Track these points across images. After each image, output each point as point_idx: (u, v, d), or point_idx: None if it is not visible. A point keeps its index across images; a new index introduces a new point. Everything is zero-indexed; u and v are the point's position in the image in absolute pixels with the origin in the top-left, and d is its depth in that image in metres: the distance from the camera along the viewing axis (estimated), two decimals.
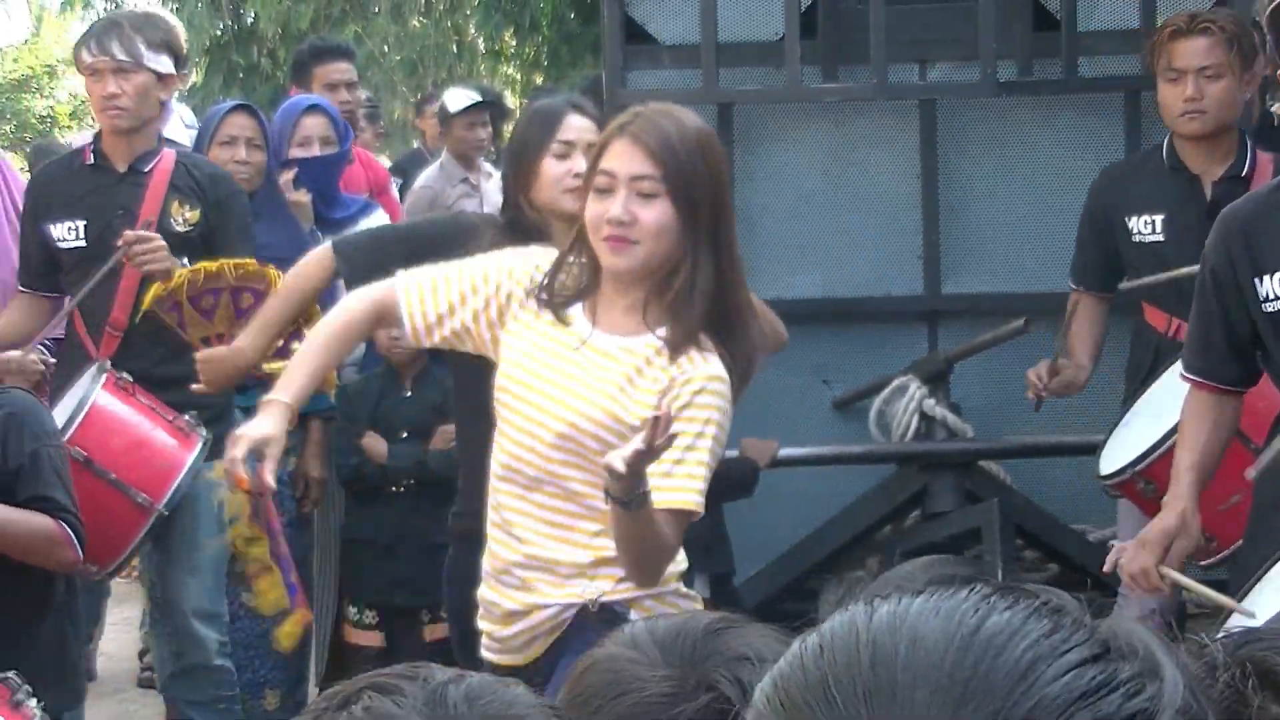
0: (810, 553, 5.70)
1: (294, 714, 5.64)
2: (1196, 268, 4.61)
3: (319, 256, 4.21)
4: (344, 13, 15.89)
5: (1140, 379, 5.01)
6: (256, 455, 3.51)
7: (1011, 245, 6.07)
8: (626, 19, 6.12)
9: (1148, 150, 5.42)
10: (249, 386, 5.49)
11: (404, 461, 5.50)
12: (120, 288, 5.04)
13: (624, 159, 3.38)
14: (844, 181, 6.11)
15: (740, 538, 5.44)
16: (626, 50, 6.10)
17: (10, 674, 3.82)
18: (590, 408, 3.38)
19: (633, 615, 3.31)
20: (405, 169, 9.05)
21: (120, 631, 7.25)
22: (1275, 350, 3.87)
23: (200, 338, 4.73)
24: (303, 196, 5.77)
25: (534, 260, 3.55)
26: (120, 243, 4.91)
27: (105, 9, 18.22)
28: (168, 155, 5.20)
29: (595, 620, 3.38)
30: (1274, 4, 3.77)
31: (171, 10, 14.14)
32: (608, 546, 3.37)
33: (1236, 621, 3.29)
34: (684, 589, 3.54)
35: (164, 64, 5.18)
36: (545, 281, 3.49)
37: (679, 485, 3.30)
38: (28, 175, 6.38)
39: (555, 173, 4.10)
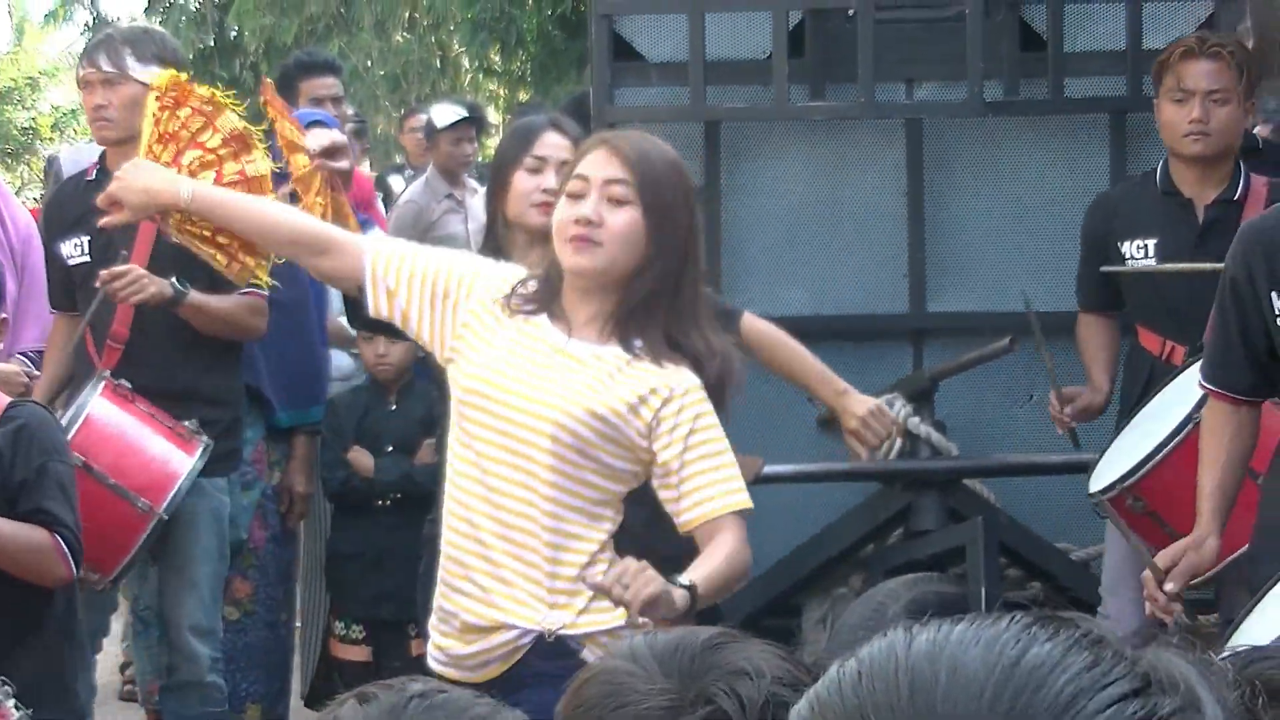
0: (793, 569, 5.70)
1: None
2: (1182, 265, 4.66)
3: (355, 246, 3.67)
4: (328, 27, 15.89)
5: (1134, 401, 5.03)
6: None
7: (997, 264, 6.08)
8: (615, 36, 6.13)
9: (1142, 174, 5.45)
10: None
11: (391, 475, 5.50)
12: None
13: (598, 164, 3.42)
14: (830, 199, 6.12)
15: None
16: (614, 67, 6.11)
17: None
18: (574, 406, 3.39)
19: (585, 652, 3.31)
20: (387, 183, 9.06)
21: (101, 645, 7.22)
22: None
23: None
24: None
25: (505, 272, 3.57)
26: (98, 284, 4.92)
27: (88, 21, 18.21)
28: None
29: (548, 650, 3.38)
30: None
31: (157, 23, 14.12)
32: (567, 569, 3.39)
33: (1238, 641, 3.30)
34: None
35: (154, 76, 5.19)
36: (516, 287, 3.50)
37: (727, 490, 3.38)
38: (13, 186, 6.39)
39: (524, 187, 4.13)
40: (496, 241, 4.17)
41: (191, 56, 15.24)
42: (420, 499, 5.32)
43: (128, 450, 4.72)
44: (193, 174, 4.38)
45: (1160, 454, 4.47)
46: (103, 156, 5.31)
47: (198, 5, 16.55)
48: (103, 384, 4.81)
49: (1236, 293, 3.93)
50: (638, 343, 3.43)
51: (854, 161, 6.12)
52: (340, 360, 5.83)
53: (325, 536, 5.93)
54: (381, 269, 3.53)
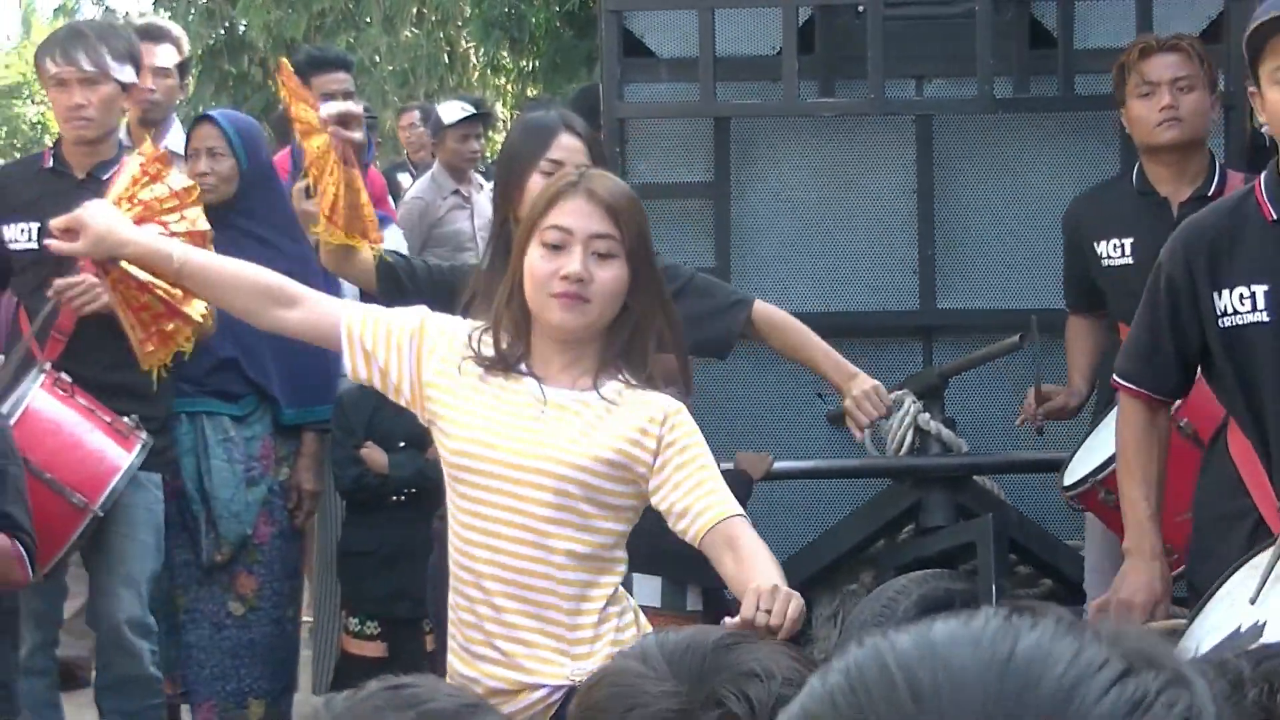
0: (803, 566, 5.70)
1: None
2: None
3: (328, 305, 3.60)
4: (336, 23, 15.91)
5: (1108, 398, 5.05)
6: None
7: (1007, 261, 6.09)
8: (625, 32, 6.13)
9: (1116, 176, 5.48)
10: (242, 394, 5.50)
11: (405, 471, 5.51)
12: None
13: (581, 216, 3.35)
14: (840, 196, 6.12)
15: None
16: (624, 63, 6.11)
17: None
18: (578, 456, 3.33)
19: None
20: (396, 179, 9.08)
21: None
22: (1226, 366, 3.87)
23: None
24: (312, 207, 5.76)
25: (460, 327, 3.50)
26: (50, 294, 4.90)
27: (96, 15, 18.21)
28: (126, 163, 5.20)
29: None
30: (1252, 26, 3.80)
31: (166, 17, 14.10)
32: (586, 618, 3.36)
33: (1187, 643, 3.31)
34: None
35: (128, 74, 5.20)
36: (478, 345, 3.43)
37: (728, 495, 3.36)
38: None
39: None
40: (507, 241, 4.15)
41: (200, 51, 15.27)
42: (434, 494, 5.32)
43: (65, 445, 4.69)
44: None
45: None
46: (57, 145, 5.29)
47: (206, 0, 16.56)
48: (43, 376, 4.79)
49: (1172, 290, 3.91)
50: (618, 378, 3.40)
51: (863, 158, 6.12)
52: None
53: (338, 534, 5.93)
54: (358, 330, 3.45)
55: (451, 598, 3.46)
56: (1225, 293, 3.85)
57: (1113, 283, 5.14)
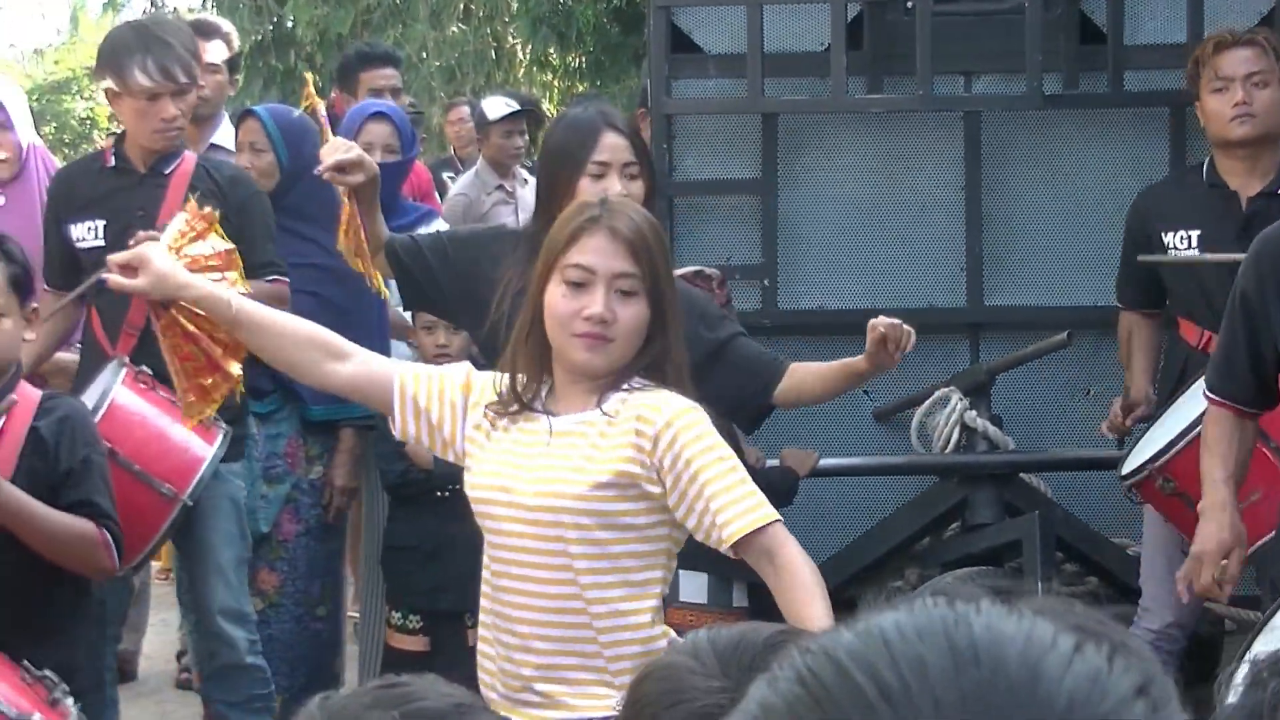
0: (849, 563, 5.69)
1: None
2: (1221, 256, 4.67)
3: (379, 363, 3.60)
4: (383, 18, 15.93)
5: (1169, 392, 5.05)
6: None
7: (1055, 258, 6.06)
8: (673, 28, 6.13)
9: (1188, 168, 5.45)
10: (268, 391, 5.50)
11: (450, 466, 5.50)
12: None
13: (605, 256, 3.32)
14: (888, 193, 6.11)
15: None
16: (672, 59, 6.11)
17: (46, 672, 3.84)
18: (578, 486, 3.30)
19: None
20: (439, 174, 9.08)
21: (157, 633, 7.27)
22: None
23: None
24: None
25: (489, 379, 3.48)
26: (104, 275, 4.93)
27: (145, 12, 18.27)
28: (188, 158, 5.22)
29: None
30: None
31: (214, 14, 14.16)
32: (625, 647, 3.31)
33: (1266, 640, 3.29)
34: None
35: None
36: (511, 387, 3.40)
37: (759, 501, 3.27)
38: None
39: (591, 192, 4.09)
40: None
41: (247, 47, 15.30)
42: None
43: (151, 437, 4.72)
44: None
45: (1189, 435, 4.51)
46: (118, 143, 5.29)
47: None
48: (124, 371, 4.82)
49: (1246, 304, 3.93)
50: (623, 387, 3.36)
51: (911, 155, 6.11)
52: (399, 350, 5.82)
53: (382, 529, 5.94)
54: (411, 388, 3.45)
55: (482, 647, 3.44)
56: None
57: (1178, 275, 5.12)
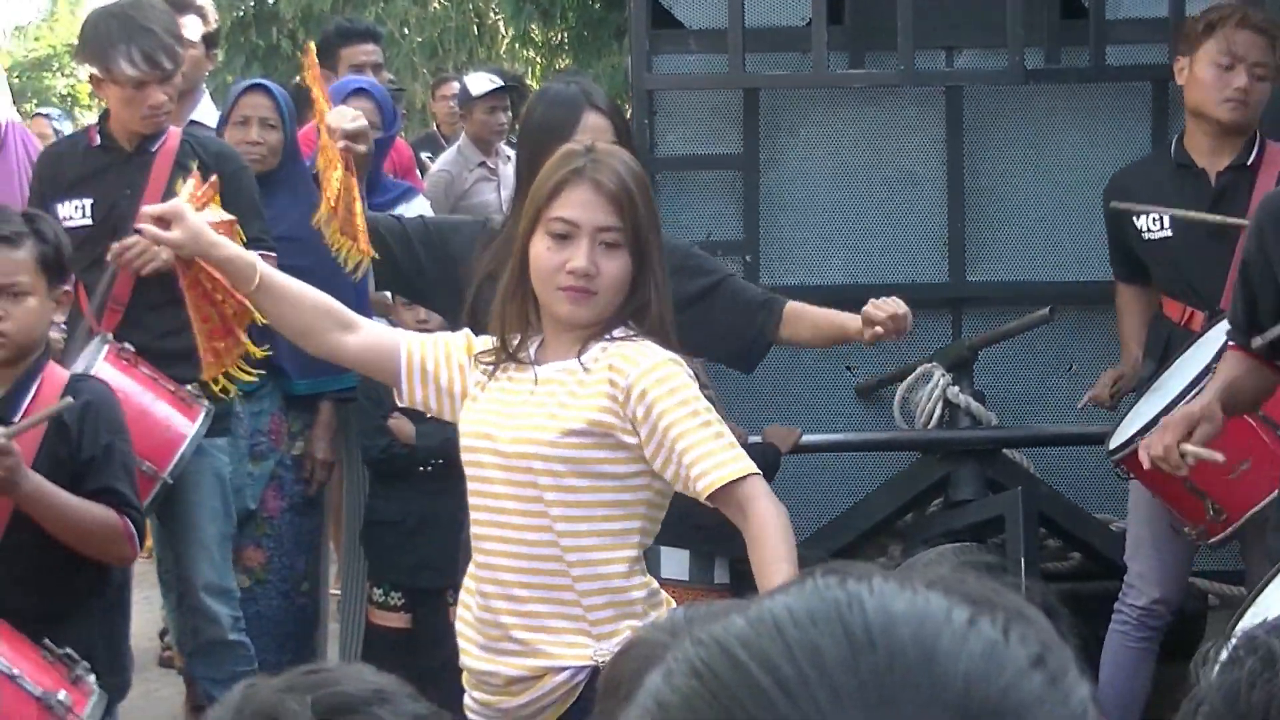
0: (832, 539, 5.69)
1: None
2: (1191, 214, 4.70)
3: (385, 331, 3.67)
4: None
5: (1154, 367, 5.05)
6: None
7: (1037, 233, 6.06)
8: (653, 4, 6.11)
9: (1156, 152, 5.45)
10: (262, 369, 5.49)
11: (433, 440, 5.49)
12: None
13: (588, 209, 3.33)
14: (870, 168, 6.10)
15: None
16: (653, 35, 6.09)
17: (67, 650, 3.86)
18: (550, 433, 3.31)
19: None
20: (419, 151, 9.04)
21: (140, 611, 7.21)
22: None
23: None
24: None
25: (484, 340, 3.50)
26: (109, 259, 4.91)
27: None
28: (173, 134, 5.20)
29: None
30: None
31: None
32: (602, 596, 3.32)
33: (1257, 611, 3.30)
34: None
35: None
36: (500, 339, 3.43)
37: (736, 454, 3.26)
38: None
39: None
40: None
41: (229, 24, 15.26)
42: (460, 465, 5.31)
43: (133, 415, 4.70)
44: None
45: (1176, 407, 4.49)
46: (103, 121, 5.26)
47: None
48: (106, 347, 4.81)
49: (1246, 264, 3.97)
50: (595, 345, 3.37)
51: (893, 130, 6.10)
52: None
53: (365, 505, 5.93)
54: (418, 354, 3.48)
55: (463, 598, 3.45)
56: None
57: (1154, 256, 5.13)
